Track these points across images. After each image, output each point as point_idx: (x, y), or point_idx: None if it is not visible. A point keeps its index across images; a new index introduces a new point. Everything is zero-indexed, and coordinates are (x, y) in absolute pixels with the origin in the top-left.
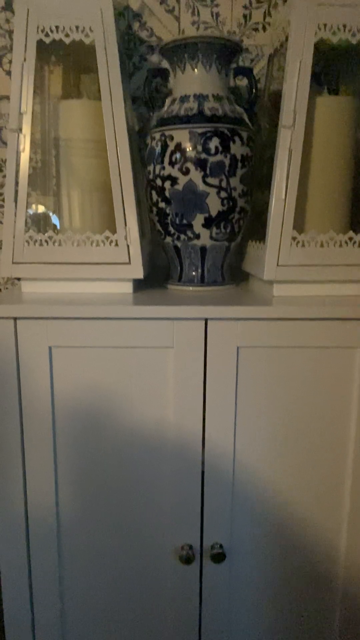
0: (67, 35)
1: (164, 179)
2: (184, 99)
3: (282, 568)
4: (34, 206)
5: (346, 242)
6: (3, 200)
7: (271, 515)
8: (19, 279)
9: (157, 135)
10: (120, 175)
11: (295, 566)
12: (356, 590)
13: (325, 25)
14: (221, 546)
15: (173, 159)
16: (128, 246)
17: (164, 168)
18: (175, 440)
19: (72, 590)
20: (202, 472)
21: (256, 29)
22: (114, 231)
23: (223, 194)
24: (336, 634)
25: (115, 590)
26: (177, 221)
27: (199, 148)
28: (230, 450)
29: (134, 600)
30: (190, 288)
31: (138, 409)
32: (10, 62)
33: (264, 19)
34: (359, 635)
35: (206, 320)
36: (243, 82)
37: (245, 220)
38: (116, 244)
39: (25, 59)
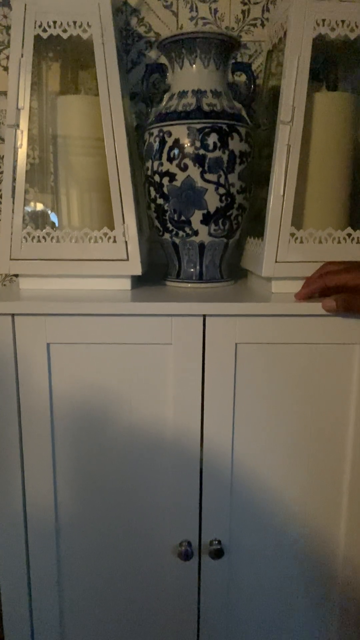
0: (64, 31)
1: (162, 175)
2: (182, 94)
3: (280, 564)
4: (31, 203)
5: (344, 239)
6: (0, 196)
7: (270, 511)
8: (16, 276)
9: (155, 131)
10: (118, 171)
11: (294, 562)
12: (356, 586)
13: (323, 20)
14: (220, 542)
15: (171, 155)
16: (126, 243)
17: (162, 164)
18: (174, 437)
19: (71, 586)
20: (201, 469)
21: (254, 25)
22: (112, 228)
23: (221, 190)
24: (335, 630)
25: (114, 586)
26: (176, 218)
27: (197, 144)
28: (228, 446)
29: (133, 597)
30: (189, 285)
31: (136, 406)
32: (7, 57)
33: (263, 14)
34: (359, 631)
35: (204, 316)
36: (241, 78)
37: (243, 217)
38: (114, 241)
39: (22, 55)
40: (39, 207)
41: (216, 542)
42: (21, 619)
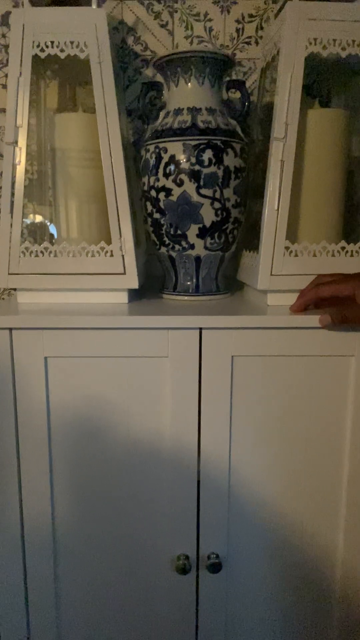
0: (62, 50)
1: (158, 190)
2: (177, 112)
3: (279, 577)
4: (30, 216)
5: (338, 252)
6: None
7: (267, 524)
8: (14, 290)
9: (152, 148)
10: (115, 187)
11: (292, 575)
12: (354, 598)
13: (315, 39)
14: (217, 556)
15: (167, 171)
16: (123, 256)
17: (158, 179)
18: (171, 450)
19: (68, 600)
20: (198, 482)
21: (249, 43)
22: (109, 242)
23: (217, 205)
24: None
25: (112, 600)
26: (172, 231)
27: (193, 160)
28: (225, 459)
29: (130, 611)
30: (185, 298)
31: (133, 419)
32: (6, 76)
33: (256, 32)
34: None
35: (201, 329)
36: (236, 95)
37: (239, 231)
38: (111, 255)
39: (21, 73)
40: (37, 221)
41: (214, 555)
42: (18, 631)
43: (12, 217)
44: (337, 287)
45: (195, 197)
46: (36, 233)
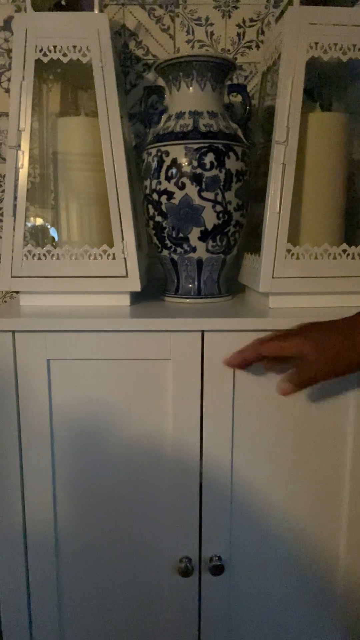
0: (64, 55)
1: (160, 193)
2: (179, 115)
3: (281, 580)
4: (32, 219)
5: (340, 255)
6: (2, 214)
7: (270, 526)
8: (17, 293)
9: (154, 151)
10: (117, 190)
11: (294, 577)
12: (356, 602)
13: (316, 43)
14: (220, 558)
15: (169, 174)
16: (125, 259)
17: (160, 183)
18: (173, 452)
19: (70, 603)
20: (200, 484)
21: (250, 47)
22: (111, 244)
23: (218, 208)
24: None
25: (114, 603)
26: (174, 234)
27: (195, 163)
28: (228, 461)
29: (133, 613)
30: (187, 300)
31: (136, 421)
32: (9, 80)
33: (257, 37)
34: None
35: (203, 332)
36: (237, 98)
37: (240, 233)
38: (113, 258)
39: (23, 78)
40: (40, 224)
41: (216, 558)
42: (20, 634)
43: (14, 220)
44: (280, 346)
45: (197, 200)
46: (38, 236)
